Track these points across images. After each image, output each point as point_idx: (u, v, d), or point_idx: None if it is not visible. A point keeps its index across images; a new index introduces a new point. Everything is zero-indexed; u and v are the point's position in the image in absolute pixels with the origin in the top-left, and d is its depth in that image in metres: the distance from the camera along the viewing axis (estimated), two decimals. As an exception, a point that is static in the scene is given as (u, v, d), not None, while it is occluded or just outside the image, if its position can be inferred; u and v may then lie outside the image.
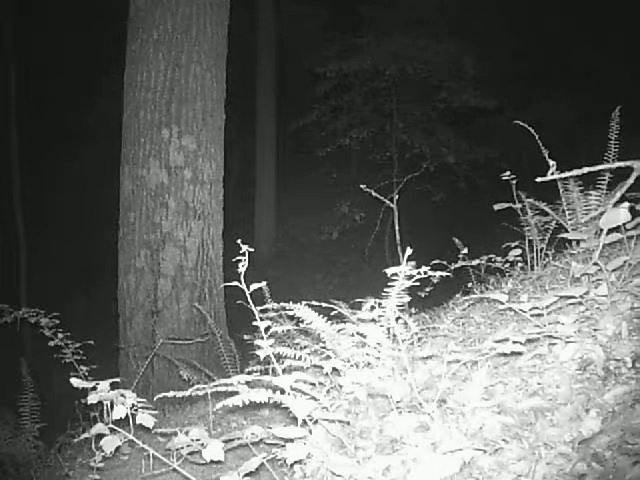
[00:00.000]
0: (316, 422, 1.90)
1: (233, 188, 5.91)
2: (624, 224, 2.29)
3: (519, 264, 3.22)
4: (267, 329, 1.83)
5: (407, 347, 2.30)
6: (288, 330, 3.03)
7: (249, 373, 2.68)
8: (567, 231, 2.88)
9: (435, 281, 2.62)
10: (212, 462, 1.87)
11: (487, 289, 3.20)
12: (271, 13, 12.36)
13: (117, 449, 1.96)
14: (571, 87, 11.26)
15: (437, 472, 1.58)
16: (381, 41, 10.30)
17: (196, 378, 3.60)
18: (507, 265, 3.27)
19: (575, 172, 2.62)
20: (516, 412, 1.69)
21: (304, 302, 2.22)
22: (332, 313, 2.45)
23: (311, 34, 12.30)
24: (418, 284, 1.83)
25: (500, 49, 11.27)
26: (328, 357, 2.10)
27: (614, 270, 2.21)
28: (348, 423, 1.94)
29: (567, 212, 2.93)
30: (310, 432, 1.83)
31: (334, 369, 2.01)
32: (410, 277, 1.79)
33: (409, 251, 1.79)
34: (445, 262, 3.10)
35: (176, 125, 4.48)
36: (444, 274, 2.00)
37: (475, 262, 3.34)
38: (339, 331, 2.10)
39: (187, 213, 4.50)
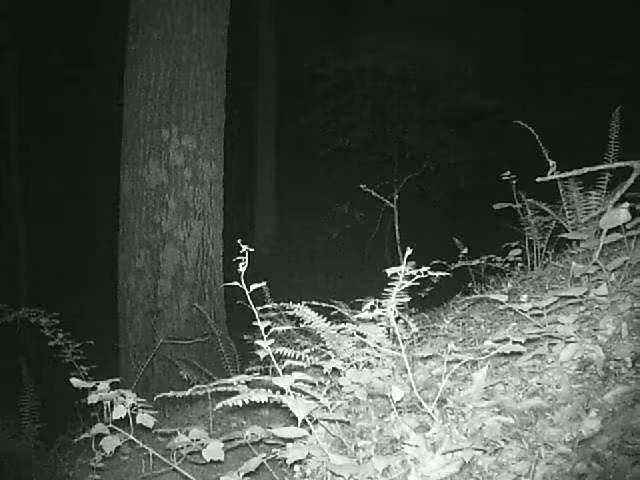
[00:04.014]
0: (316, 422, 1.90)
1: (233, 188, 5.92)
2: (624, 224, 2.29)
3: (519, 264, 3.22)
4: (267, 329, 1.83)
5: (407, 347, 2.30)
6: (288, 330, 3.03)
7: (249, 373, 2.69)
8: (567, 231, 2.88)
9: (435, 281, 2.61)
10: (212, 462, 1.87)
11: (487, 289, 3.20)
12: (271, 13, 12.36)
13: (117, 449, 1.96)
14: (571, 87, 11.26)
15: (437, 472, 1.58)
16: (381, 41, 10.30)
17: (196, 378, 3.60)
18: (507, 265, 3.27)
19: (575, 172, 2.62)
20: (516, 412, 1.69)
21: (304, 302, 2.22)
22: (332, 313, 2.45)
23: (311, 34, 12.29)
24: (418, 284, 1.83)
25: (500, 48, 11.27)
26: (328, 357, 2.10)
27: (614, 270, 2.21)
28: (348, 423, 1.94)
29: (567, 212, 2.93)
30: (310, 432, 1.83)
31: (334, 369, 2.01)
32: (410, 277, 1.79)
33: (409, 251, 1.79)
34: (445, 262, 3.10)
35: (176, 125, 4.47)
36: (444, 274, 2.00)
37: (475, 262, 3.34)
38: (339, 331, 2.10)
39: (187, 213, 4.50)
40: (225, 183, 4.79)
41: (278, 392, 1.80)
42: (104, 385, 1.90)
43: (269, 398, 1.80)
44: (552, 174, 2.70)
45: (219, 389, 2.04)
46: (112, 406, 1.90)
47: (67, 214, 12.46)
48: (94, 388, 1.90)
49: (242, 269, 1.80)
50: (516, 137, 4.07)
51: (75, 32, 12.20)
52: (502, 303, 2.05)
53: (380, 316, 1.94)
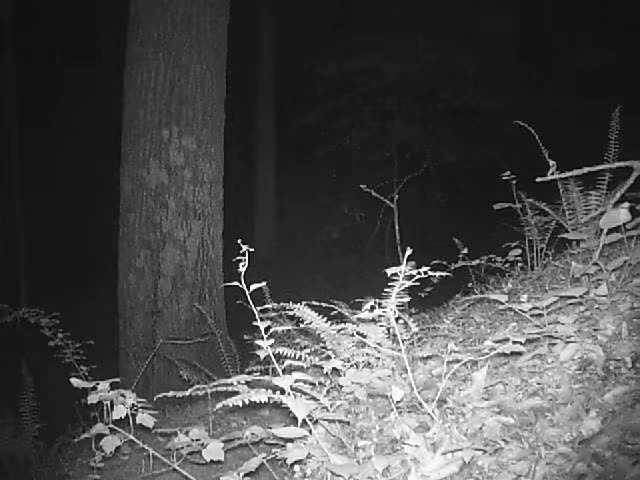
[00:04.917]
0: (316, 422, 1.90)
1: (233, 188, 5.92)
2: (624, 224, 2.29)
3: (519, 264, 3.23)
4: (267, 329, 1.83)
5: (407, 347, 2.30)
6: (288, 330, 3.03)
7: (249, 373, 2.68)
8: (567, 231, 2.88)
9: (435, 281, 2.62)
10: (212, 462, 1.87)
11: (487, 289, 3.20)
12: (271, 13, 12.36)
13: (117, 449, 1.96)
14: (571, 87, 11.26)
15: (437, 472, 1.58)
16: (381, 41, 10.31)
17: (196, 378, 3.60)
18: (507, 265, 3.27)
19: (575, 172, 2.62)
20: (516, 412, 1.69)
21: (304, 302, 2.22)
22: (332, 313, 2.45)
23: (311, 34, 12.29)
24: (418, 284, 1.83)
25: (500, 49, 11.28)
26: (328, 357, 2.10)
27: (614, 270, 2.21)
28: (348, 423, 1.94)
29: (567, 212, 2.93)
30: (310, 432, 1.83)
31: (334, 369, 2.01)
32: (410, 277, 1.79)
33: (409, 251, 1.79)
34: (445, 262, 3.10)
35: (176, 125, 4.47)
36: (444, 274, 2.00)
37: (475, 262, 3.34)
38: (339, 331, 2.10)
39: (187, 213, 4.50)
40: (225, 183, 4.79)
41: (278, 392, 1.79)
42: (104, 385, 1.90)
43: (269, 398, 1.80)
44: (552, 174, 2.70)
45: (219, 389, 2.04)
46: (112, 406, 1.90)
47: (67, 214, 12.46)
48: (94, 388, 1.90)
49: (242, 269, 1.80)
50: (516, 137, 4.08)
51: (76, 30, 12.21)
52: (502, 303, 2.05)
53: (380, 316, 1.94)
